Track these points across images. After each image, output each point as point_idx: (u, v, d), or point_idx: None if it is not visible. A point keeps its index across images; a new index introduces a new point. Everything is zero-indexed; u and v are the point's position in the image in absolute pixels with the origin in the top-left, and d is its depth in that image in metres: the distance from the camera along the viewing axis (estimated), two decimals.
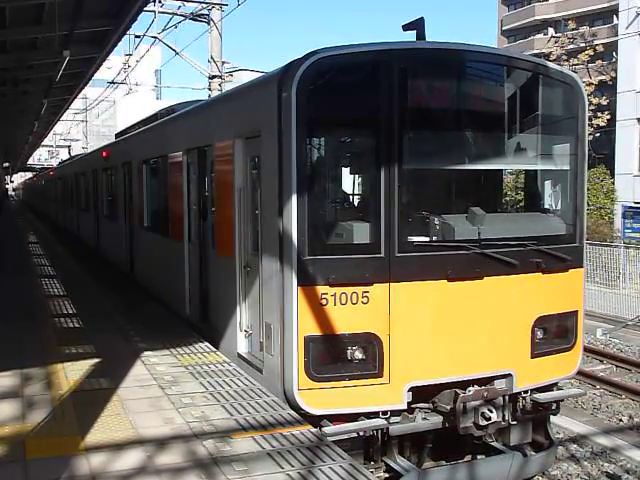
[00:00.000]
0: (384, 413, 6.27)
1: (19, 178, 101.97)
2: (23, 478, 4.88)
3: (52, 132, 46.80)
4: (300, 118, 6.10)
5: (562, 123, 7.51)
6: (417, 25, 7.00)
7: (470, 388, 6.39)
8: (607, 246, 21.76)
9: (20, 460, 5.15)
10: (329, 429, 6.03)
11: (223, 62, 19.41)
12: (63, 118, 35.10)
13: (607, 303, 19.17)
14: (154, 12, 18.55)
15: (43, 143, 52.75)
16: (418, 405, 6.55)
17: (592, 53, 35.50)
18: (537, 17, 52.51)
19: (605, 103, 33.81)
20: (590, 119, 29.05)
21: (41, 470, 4.98)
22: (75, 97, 21.67)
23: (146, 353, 8.18)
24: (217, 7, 18.44)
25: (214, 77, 19.17)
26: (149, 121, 14.03)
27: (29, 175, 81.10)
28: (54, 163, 60.81)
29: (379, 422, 6.22)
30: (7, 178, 76.81)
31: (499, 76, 7.37)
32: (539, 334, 6.96)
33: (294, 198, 6.11)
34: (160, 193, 12.06)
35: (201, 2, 18.62)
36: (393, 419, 6.36)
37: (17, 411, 6.18)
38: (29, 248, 22.27)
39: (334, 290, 6.12)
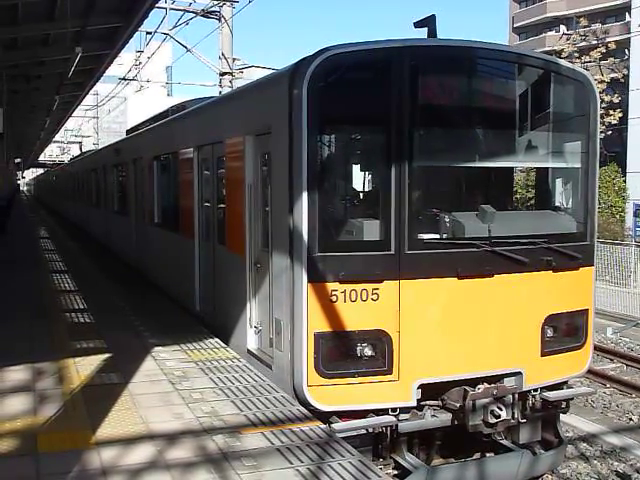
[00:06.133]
0: (393, 410, 6.28)
1: (30, 174, 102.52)
2: (35, 471, 4.91)
3: (63, 128, 47.12)
4: (311, 115, 6.10)
5: (573, 121, 7.47)
6: (428, 22, 6.99)
7: (479, 386, 6.38)
8: (618, 244, 21.66)
9: (32, 454, 5.19)
10: (338, 425, 6.04)
11: (234, 59, 19.42)
12: (74, 114, 35.29)
13: (618, 302, 19.08)
14: (165, 9, 18.58)
15: (54, 139, 53.02)
16: (427, 402, 6.54)
17: (604, 50, 35.24)
18: (549, 14, 52.22)
19: (617, 101, 33.58)
20: (602, 117, 28.85)
21: (52, 464, 5.01)
22: (86, 93, 21.83)
23: (156, 348, 8.21)
24: (228, 4, 18.45)
25: (225, 74, 19.19)
26: (160, 118, 14.07)
27: (40, 171, 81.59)
28: (65, 159, 61.13)
29: (388, 419, 6.23)
30: (19, 174, 77.19)
31: (510, 74, 7.34)
32: (549, 332, 6.93)
33: (304, 195, 6.11)
34: (170, 189, 12.10)
35: None
36: (402, 416, 6.36)
37: (29, 405, 6.22)
38: (40, 243, 22.40)
39: (344, 287, 6.13)
